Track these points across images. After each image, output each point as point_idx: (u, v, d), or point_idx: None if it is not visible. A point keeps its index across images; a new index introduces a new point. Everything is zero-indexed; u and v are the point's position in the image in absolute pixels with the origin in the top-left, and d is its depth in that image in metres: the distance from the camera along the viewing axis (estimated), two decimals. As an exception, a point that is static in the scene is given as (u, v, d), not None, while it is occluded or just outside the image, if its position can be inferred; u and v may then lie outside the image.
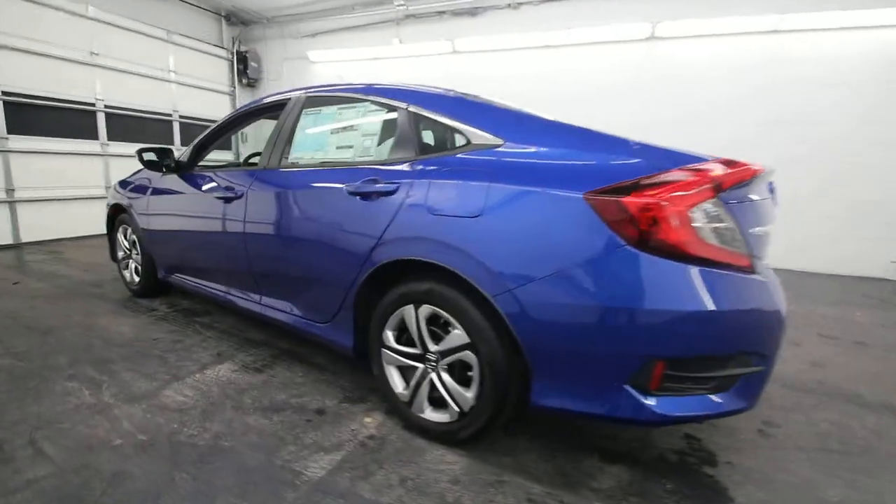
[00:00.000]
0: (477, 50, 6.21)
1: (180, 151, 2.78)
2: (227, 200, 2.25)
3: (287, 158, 2.12)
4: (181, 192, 2.62)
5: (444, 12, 6.29)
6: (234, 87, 7.47)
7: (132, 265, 3.21)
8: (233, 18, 7.24)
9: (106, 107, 5.62)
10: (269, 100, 2.40)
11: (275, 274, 2.13)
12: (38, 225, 5.16)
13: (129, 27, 5.82)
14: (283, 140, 2.15)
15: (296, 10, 6.86)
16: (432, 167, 1.59)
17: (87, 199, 5.56)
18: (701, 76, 5.19)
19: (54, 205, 5.29)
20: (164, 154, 2.68)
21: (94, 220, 5.65)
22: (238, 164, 2.98)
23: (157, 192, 2.81)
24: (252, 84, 7.67)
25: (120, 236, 3.28)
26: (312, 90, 2.17)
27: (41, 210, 5.18)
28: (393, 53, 6.65)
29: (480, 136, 1.57)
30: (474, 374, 1.49)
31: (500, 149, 1.51)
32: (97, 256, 4.56)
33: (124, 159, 5.87)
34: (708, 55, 5.19)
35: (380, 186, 1.66)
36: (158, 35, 6.21)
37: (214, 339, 2.52)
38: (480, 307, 1.44)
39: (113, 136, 5.74)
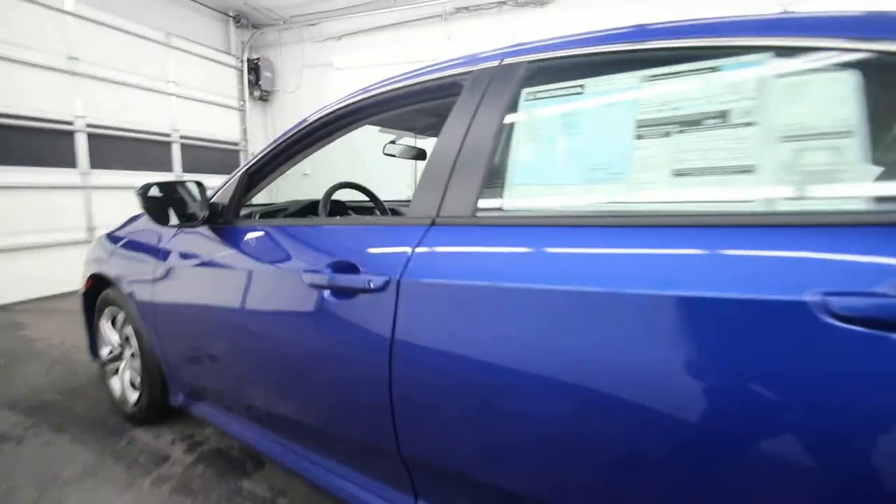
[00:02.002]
0: (548, 47, 5.09)
1: (214, 187, 1.55)
2: (344, 294, 1.02)
3: (498, 198, 0.91)
4: (223, 263, 1.38)
5: (504, 2, 5.20)
6: (245, 101, 6.29)
7: (126, 374, 1.95)
8: (242, 20, 6.10)
9: (88, 126, 4.38)
10: (403, 82, 1.19)
11: (480, 466, 0.89)
12: (-6, 283, 3.87)
13: (119, 26, 4.63)
14: (472, 156, 0.94)
15: (320, 5, 5.73)
16: None
17: (62, 245, 4.28)
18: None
19: (16, 256, 3.99)
20: (186, 193, 1.45)
21: (72, 273, 4.35)
22: (307, 208, 1.76)
23: (176, 256, 1.56)
24: (265, 97, 6.50)
25: (105, 324, 2.02)
26: (546, 46, 0.97)
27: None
28: (440, 54, 5.52)
29: None
30: None
31: None
32: (74, 331, 3.26)
33: (112, 192, 4.62)
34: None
35: None
36: (155, 38, 5.02)
37: (293, 552, 1.26)
38: None
39: (97, 162, 4.50)
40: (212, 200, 1.48)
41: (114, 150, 4.66)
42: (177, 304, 1.54)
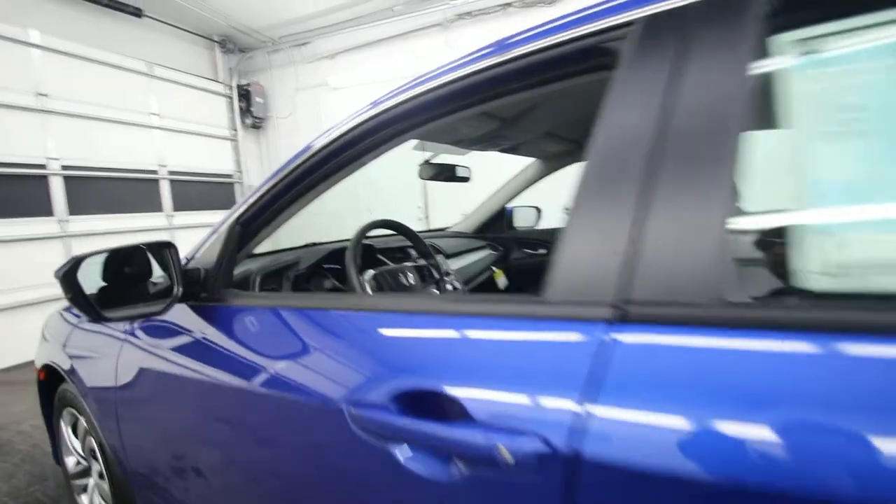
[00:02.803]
0: (561, 46, 4.70)
1: (208, 224, 1.08)
2: (436, 458, 0.54)
3: (781, 265, 0.44)
4: (212, 368, 0.89)
5: (509, 4, 4.81)
6: (237, 130, 5.87)
7: (95, 496, 1.45)
8: (229, 45, 5.72)
9: (63, 168, 3.94)
10: (480, 63, 0.75)
11: None
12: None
13: (94, 57, 4.23)
14: (691, 180, 0.47)
15: (310, 23, 5.34)
16: None
17: (39, 303, 3.80)
18: None
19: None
20: (145, 261, 0.98)
21: (52, 333, 3.86)
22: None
23: (146, 348, 1.08)
24: (258, 125, 6.09)
25: (66, 429, 1.53)
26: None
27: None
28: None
29: None
30: None
31: None
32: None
33: (95, 239, 4.17)
34: None
35: None
36: (135, 68, 4.62)
37: None
38: None
39: (76, 207, 4.05)
40: (189, 266, 1.01)
41: (95, 192, 4.21)
42: (150, 424, 1.06)
